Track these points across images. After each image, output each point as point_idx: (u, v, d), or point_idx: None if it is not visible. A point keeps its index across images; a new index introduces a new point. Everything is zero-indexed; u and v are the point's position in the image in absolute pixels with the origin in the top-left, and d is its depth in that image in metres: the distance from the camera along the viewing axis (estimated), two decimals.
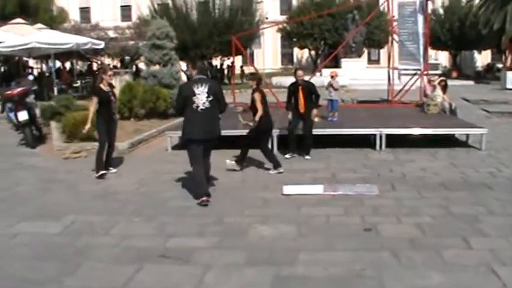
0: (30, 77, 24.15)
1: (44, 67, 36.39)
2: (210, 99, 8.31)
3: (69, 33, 27.32)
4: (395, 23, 21.08)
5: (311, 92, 11.78)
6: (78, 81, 28.79)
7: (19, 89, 14.48)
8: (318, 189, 9.02)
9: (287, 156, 11.71)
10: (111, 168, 10.80)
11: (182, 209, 8.01)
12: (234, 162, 10.57)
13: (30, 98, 15.30)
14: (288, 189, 8.90)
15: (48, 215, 7.87)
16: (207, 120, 8.33)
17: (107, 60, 35.23)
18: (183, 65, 28.82)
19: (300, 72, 11.82)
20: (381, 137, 12.70)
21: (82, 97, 22.65)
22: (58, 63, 33.29)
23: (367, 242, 6.49)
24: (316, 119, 12.37)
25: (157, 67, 19.41)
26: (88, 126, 10.78)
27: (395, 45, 20.76)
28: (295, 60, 64.49)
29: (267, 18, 40.68)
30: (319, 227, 7.07)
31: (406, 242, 6.43)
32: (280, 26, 48.41)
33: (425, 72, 19.65)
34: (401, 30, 19.99)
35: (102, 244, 6.56)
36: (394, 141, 12.80)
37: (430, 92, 17.02)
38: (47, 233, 7.07)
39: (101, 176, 10.22)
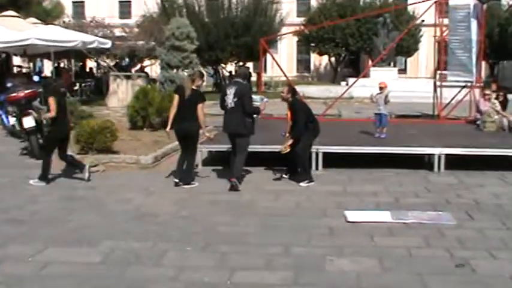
0: (36, 78, 23.84)
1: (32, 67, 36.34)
2: (235, 100, 10.57)
3: (71, 29, 27.08)
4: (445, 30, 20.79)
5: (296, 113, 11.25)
6: (77, 84, 28.59)
7: (27, 91, 14.24)
8: (385, 216, 8.76)
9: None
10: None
11: (238, 235, 7.72)
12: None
13: (36, 102, 15.08)
14: (352, 216, 8.63)
15: (81, 239, 7.56)
16: (232, 117, 10.67)
17: (108, 61, 34.98)
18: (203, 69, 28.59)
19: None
20: (439, 157, 12.45)
21: (84, 102, 22.45)
22: (46, 64, 33.16)
23: (466, 281, 6.20)
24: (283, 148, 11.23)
25: (174, 71, 19.23)
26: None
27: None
28: (312, 67, 64.43)
29: (282, 20, 40.54)
30: (403, 261, 6.79)
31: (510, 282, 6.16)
32: (301, 29, 48.16)
33: (477, 85, 19.41)
34: (451, 37, 19.74)
35: (157, 277, 6.23)
36: (449, 162, 12.56)
37: (484, 107, 16.77)
38: (86, 262, 6.74)
39: None
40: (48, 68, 37.67)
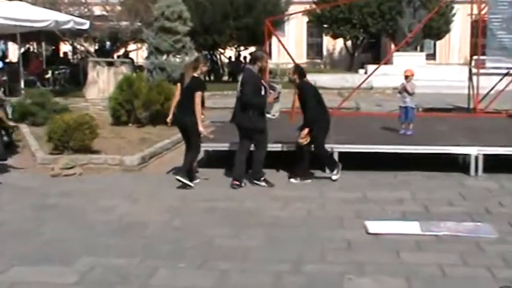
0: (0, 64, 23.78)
1: None
2: (240, 88, 11.01)
3: (40, 6, 26.97)
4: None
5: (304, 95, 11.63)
6: (49, 71, 28.53)
7: None
8: (413, 227, 8.67)
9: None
10: None
11: (239, 250, 7.65)
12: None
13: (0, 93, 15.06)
14: (374, 227, 8.56)
15: (53, 256, 7.50)
16: (237, 107, 11.17)
17: (85, 45, 34.87)
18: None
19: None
20: (476, 158, 12.37)
21: (57, 92, 22.39)
22: (11, 47, 33.09)
23: None
24: (301, 140, 11.50)
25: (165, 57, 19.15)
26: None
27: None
28: (324, 52, 64.28)
29: None
30: (435, 281, 6.69)
31: None
32: (312, 8, 48.05)
33: None
34: (491, 16, 19.58)
35: None
36: (488, 164, 12.47)
37: None
38: (59, 283, 6.68)
39: None
40: (14, 52, 37.47)
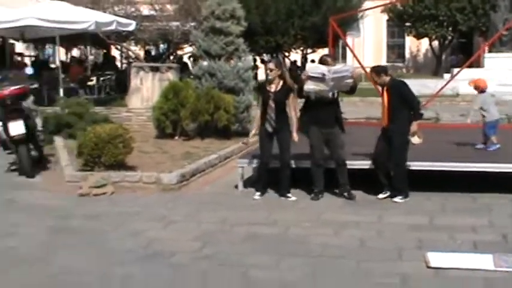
0: (29, 70, 24.08)
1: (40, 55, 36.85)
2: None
3: (83, 6, 27.29)
4: None
5: (402, 95, 11.40)
6: (94, 78, 28.88)
7: (12, 88, 14.29)
8: (485, 261, 8.27)
9: (380, 196, 11.72)
10: None
11: (276, 285, 7.44)
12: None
13: (28, 102, 15.13)
14: (437, 260, 8.20)
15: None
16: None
17: (134, 49, 35.06)
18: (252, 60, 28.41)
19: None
20: None
21: (100, 102, 22.61)
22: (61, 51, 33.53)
23: None
24: (415, 140, 11.67)
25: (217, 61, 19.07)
26: (253, 132, 12.35)
27: None
28: (407, 54, 63.65)
29: None
30: None
31: None
32: (391, 4, 47.58)
33: None
34: None
35: None
36: None
37: None
38: None
39: None
40: (63, 57, 37.97)
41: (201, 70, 19.15)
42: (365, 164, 11.81)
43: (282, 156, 11.68)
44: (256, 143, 12.46)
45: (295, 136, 11.60)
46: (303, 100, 11.81)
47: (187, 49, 36.56)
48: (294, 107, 11.87)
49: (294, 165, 12.03)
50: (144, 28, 29.29)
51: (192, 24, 27.06)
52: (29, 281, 7.74)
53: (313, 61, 35.38)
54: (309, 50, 36.25)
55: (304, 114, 11.69)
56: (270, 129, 11.57)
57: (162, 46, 35.18)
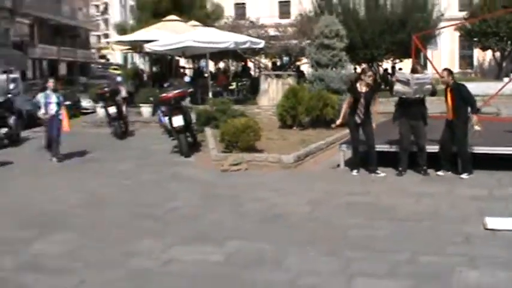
0: (187, 79, 24.63)
1: (196, 67, 37.39)
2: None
3: (226, 30, 27.61)
4: None
5: (462, 95, 11.09)
6: (234, 84, 29.12)
7: (175, 92, 14.61)
8: None
9: (439, 173, 11.28)
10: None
11: (366, 240, 7.33)
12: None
13: (186, 102, 15.46)
14: (493, 223, 7.89)
15: (208, 238, 7.57)
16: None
17: (264, 61, 35.24)
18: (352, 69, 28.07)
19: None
20: None
21: (238, 101, 22.80)
22: (211, 64, 33.90)
23: None
24: (476, 127, 11.28)
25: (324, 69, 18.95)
26: (339, 121, 12.01)
27: None
28: (475, 62, 61.61)
29: (442, 15, 38.78)
30: None
31: None
32: (462, 23, 46.10)
33: None
34: None
35: (273, 281, 6.05)
36: None
37: None
38: (207, 260, 6.72)
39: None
40: (212, 68, 38.51)
41: (313, 76, 19.09)
42: (434, 148, 11.49)
43: (368, 141, 11.52)
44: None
45: (374, 126, 11.56)
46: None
47: (304, 60, 36.57)
48: (375, 105, 11.79)
49: (384, 149, 11.85)
50: (271, 45, 29.22)
51: (307, 41, 26.85)
52: (187, 231, 7.93)
53: (400, 69, 34.81)
54: (397, 61, 35.46)
55: (397, 109, 11.50)
56: (358, 120, 11.40)
57: (285, 58, 35.03)
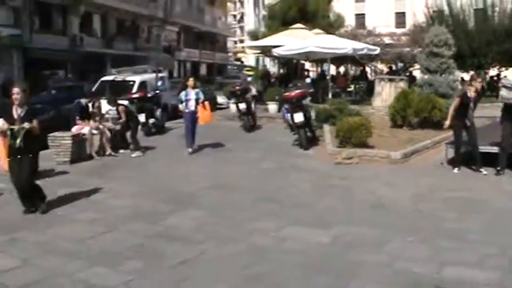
0: (308, 80, 24.79)
1: (319, 70, 37.39)
2: None
3: (345, 38, 27.47)
4: None
5: None
6: (352, 86, 28.92)
7: (297, 91, 14.80)
8: None
9: None
10: None
11: (460, 232, 7.19)
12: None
13: (307, 101, 15.60)
14: None
15: (318, 222, 7.71)
16: None
17: (380, 66, 34.79)
18: (461, 75, 27.09)
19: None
20: None
21: (355, 102, 22.66)
22: (332, 67, 33.79)
23: None
24: None
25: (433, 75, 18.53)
26: (448, 123, 11.53)
27: None
28: None
29: None
30: None
31: None
32: None
33: None
34: None
35: (373, 262, 6.12)
36: None
37: None
38: (317, 241, 6.86)
39: None
40: (333, 71, 38.41)
41: (423, 81, 18.74)
42: None
43: (473, 142, 11.19)
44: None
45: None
46: None
47: (416, 66, 35.69)
48: None
49: (486, 150, 11.41)
50: (386, 52, 28.86)
51: (418, 49, 26.28)
52: (302, 215, 8.12)
53: (505, 76, 33.22)
54: (503, 69, 33.83)
55: (503, 114, 11.05)
56: (468, 123, 11.13)
57: (400, 64, 34.40)
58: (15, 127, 8.01)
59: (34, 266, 6.13)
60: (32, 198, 8.41)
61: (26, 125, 8.02)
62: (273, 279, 5.70)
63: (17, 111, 8.12)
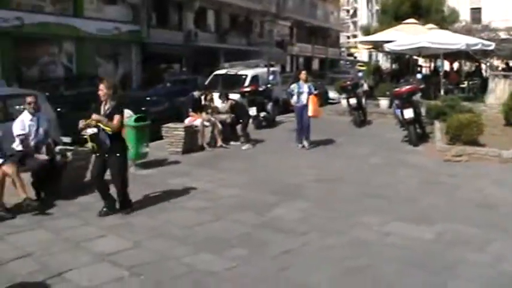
0: (419, 76, 24.22)
1: (432, 66, 36.34)
2: None
3: (459, 33, 26.53)
4: None
5: None
6: (465, 82, 27.94)
7: (407, 87, 14.58)
8: None
9: None
10: None
11: None
12: None
13: (417, 97, 15.30)
14: None
15: (423, 218, 7.64)
16: None
17: (496, 62, 33.28)
18: None
19: None
20: None
21: (468, 98, 21.89)
22: (445, 63, 32.76)
23: None
24: None
25: None
26: None
27: None
28: None
29: None
30: None
31: None
32: None
33: None
34: None
35: (475, 262, 6.02)
36: None
37: None
38: (420, 238, 6.82)
39: None
40: (447, 67, 37.20)
41: None
42: None
43: None
44: None
45: None
46: None
47: None
48: None
49: None
50: (502, 48, 27.62)
51: None
52: (407, 210, 8.08)
53: None
54: None
55: None
56: None
57: None
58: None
59: (145, 248, 6.54)
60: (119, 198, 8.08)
61: (90, 131, 7.69)
62: (371, 272, 5.76)
63: (104, 108, 7.87)
